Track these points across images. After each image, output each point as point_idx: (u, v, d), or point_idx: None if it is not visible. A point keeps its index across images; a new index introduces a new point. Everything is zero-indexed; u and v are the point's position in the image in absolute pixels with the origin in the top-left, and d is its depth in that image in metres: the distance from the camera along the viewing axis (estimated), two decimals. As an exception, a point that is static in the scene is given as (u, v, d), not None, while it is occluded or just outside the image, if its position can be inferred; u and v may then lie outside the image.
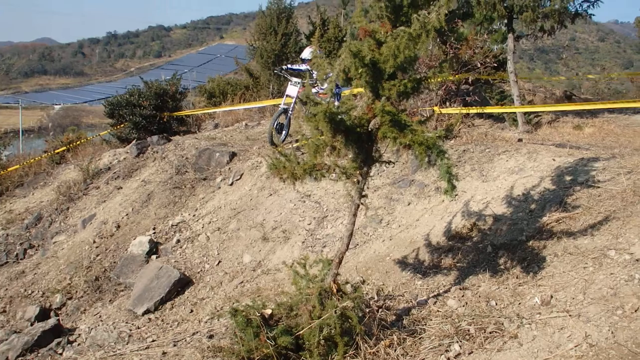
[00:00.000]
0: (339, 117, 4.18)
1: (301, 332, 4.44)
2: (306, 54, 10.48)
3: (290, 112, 10.19)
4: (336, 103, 10.19)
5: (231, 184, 9.68)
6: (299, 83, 10.14)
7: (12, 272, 9.60)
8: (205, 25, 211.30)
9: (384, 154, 4.75)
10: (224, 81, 20.15)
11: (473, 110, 9.36)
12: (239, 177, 9.75)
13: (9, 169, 14.56)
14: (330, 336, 4.38)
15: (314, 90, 9.84)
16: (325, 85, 9.79)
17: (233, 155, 10.56)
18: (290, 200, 8.46)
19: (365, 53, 4.07)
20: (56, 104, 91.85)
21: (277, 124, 10.20)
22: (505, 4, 9.95)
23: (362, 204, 4.72)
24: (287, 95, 10.34)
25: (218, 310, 6.33)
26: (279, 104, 10.74)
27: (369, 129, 4.28)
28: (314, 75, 9.90)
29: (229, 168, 10.21)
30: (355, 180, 4.66)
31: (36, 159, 15.19)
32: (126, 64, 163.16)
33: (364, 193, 4.68)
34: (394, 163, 6.95)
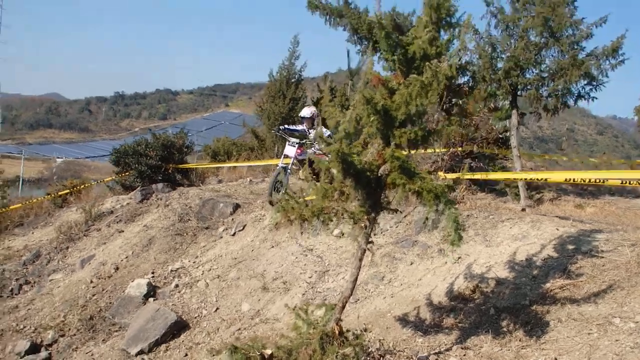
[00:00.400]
0: (350, 158, 4.26)
1: (301, 375, 4.38)
2: (304, 112, 10.64)
3: (288, 171, 10.27)
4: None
5: (233, 234, 9.73)
6: (296, 143, 10.24)
7: (5, 307, 9.47)
8: (211, 92, 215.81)
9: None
10: (230, 141, 20.45)
11: (477, 176, 9.50)
12: (241, 228, 9.80)
13: (11, 207, 14.62)
14: (330, 381, 4.32)
15: (310, 150, 10.23)
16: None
17: (237, 206, 10.67)
18: (292, 253, 8.47)
19: (378, 100, 4.21)
20: (58, 157, 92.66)
21: (275, 183, 10.22)
22: (509, 81, 10.26)
23: (368, 249, 4.76)
24: (285, 155, 10.39)
25: (215, 350, 6.21)
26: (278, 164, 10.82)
27: (379, 175, 4.37)
28: (310, 134, 10.38)
29: (232, 219, 10.29)
30: (362, 225, 4.71)
31: (38, 199, 15.28)
32: (131, 124, 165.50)
33: (370, 239, 4.73)
34: (401, 211, 7.02)
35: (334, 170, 4.30)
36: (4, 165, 16.91)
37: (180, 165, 14.72)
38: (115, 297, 8.77)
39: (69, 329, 8.28)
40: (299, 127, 10.72)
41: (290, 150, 10.25)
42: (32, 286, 10.26)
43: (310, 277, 7.77)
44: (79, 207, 13.37)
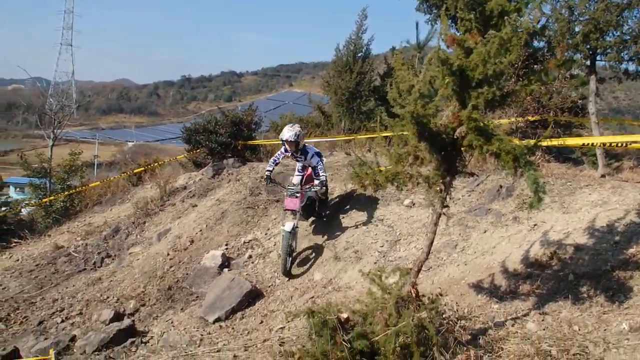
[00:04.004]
0: (425, 120, 4.19)
1: (376, 338, 4.39)
2: (286, 134, 8.49)
3: (296, 230, 8.34)
4: (322, 175, 8.48)
5: (304, 207, 9.81)
6: (296, 193, 8.35)
7: (89, 279, 9.99)
8: (275, 73, 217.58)
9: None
10: (296, 118, 20.53)
11: (554, 142, 9.17)
12: (311, 200, 9.85)
13: (90, 185, 15.33)
14: (406, 345, 4.31)
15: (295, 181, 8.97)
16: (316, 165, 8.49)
17: (305, 177, 10.73)
18: (363, 224, 8.49)
19: (454, 60, 4.11)
20: (129, 141, 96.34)
21: (288, 249, 8.14)
22: (588, 46, 9.80)
23: (444, 213, 4.70)
24: (285, 210, 8.46)
25: (292, 314, 6.31)
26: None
27: (454, 137, 4.29)
28: (300, 161, 8.96)
29: (301, 189, 10.37)
30: (437, 189, 4.65)
31: (115, 177, 15.96)
32: (198, 106, 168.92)
33: (446, 203, 4.66)
34: (477, 175, 6.89)
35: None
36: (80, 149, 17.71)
37: (249, 142, 14.95)
38: (192, 268, 9.06)
39: (149, 299, 8.64)
40: (280, 156, 9.04)
41: (291, 202, 8.29)
42: (113, 259, 10.76)
43: (381, 247, 7.77)
44: (153, 184, 13.88)
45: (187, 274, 8.94)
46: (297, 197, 8.29)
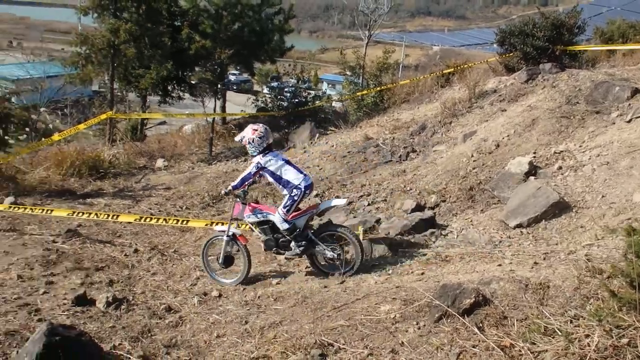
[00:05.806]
0: None
1: None
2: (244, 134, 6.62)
3: (225, 236, 6.69)
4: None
5: (629, 121, 8.69)
6: (238, 196, 6.63)
7: (394, 170, 10.66)
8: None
9: None
10: (627, 24, 18.15)
11: None
12: (639, 114, 8.71)
13: (400, 82, 16.02)
14: None
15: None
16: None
17: (636, 91, 9.43)
18: None
19: None
20: (434, 45, 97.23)
21: (205, 257, 6.85)
22: None
23: None
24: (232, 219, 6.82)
25: (607, 229, 5.81)
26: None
27: None
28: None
29: (629, 104, 9.18)
30: None
31: (424, 77, 16.35)
32: (509, 11, 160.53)
33: None
34: None
35: None
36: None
37: (570, 47, 13.69)
38: (495, 172, 8.93)
39: (450, 196, 8.84)
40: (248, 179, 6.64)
41: (236, 208, 6.74)
42: (417, 154, 11.22)
43: None
44: (462, 85, 13.85)
45: (490, 177, 8.85)
46: (239, 203, 6.66)
